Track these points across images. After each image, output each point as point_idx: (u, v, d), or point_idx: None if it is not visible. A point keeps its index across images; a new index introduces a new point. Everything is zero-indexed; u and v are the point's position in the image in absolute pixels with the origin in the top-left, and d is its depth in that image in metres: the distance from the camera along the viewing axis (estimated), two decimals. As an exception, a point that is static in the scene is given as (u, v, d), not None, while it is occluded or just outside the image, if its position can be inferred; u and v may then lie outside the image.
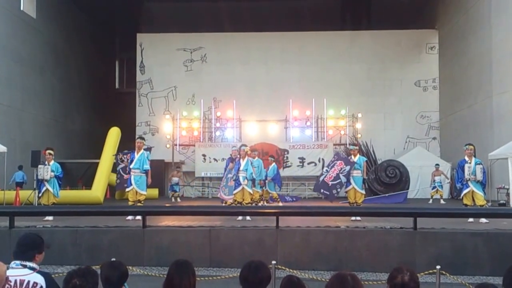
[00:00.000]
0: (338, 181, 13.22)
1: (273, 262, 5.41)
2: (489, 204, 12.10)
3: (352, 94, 23.47)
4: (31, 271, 3.19)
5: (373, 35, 24.48)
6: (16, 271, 3.16)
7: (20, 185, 17.07)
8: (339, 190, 13.75)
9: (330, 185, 12.21)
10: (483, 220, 9.69)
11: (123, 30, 28.10)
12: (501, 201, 15.18)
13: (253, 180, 11.27)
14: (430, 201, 17.57)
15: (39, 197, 11.45)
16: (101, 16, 25.91)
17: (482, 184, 10.39)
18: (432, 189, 17.83)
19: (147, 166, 10.83)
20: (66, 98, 23.36)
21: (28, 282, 3.13)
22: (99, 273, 3.15)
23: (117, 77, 29.87)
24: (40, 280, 3.17)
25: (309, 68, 23.97)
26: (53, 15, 21.88)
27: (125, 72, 29.62)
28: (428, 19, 25.00)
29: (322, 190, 12.67)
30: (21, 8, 19.48)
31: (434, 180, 17.91)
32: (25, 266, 3.20)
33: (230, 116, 23.26)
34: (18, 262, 3.22)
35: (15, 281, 3.11)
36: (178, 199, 18.64)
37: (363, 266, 7.64)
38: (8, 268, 3.12)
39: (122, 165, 13.53)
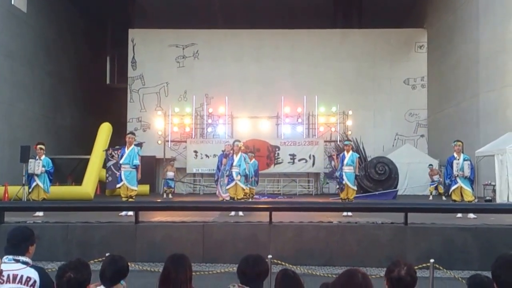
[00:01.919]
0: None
1: (269, 256, 5.44)
2: (476, 200, 12.28)
3: (343, 92, 23.62)
4: (24, 266, 3.17)
5: (364, 33, 24.66)
6: (9, 266, 3.13)
7: None
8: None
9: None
10: (471, 215, 9.83)
11: (115, 26, 27.94)
12: (487, 198, 15.38)
13: (246, 176, 11.31)
14: (443, 198, 17.78)
15: (29, 193, 11.34)
16: (93, 11, 25.68)
17: (470, 180, 10.55)
18: (435, 188, 18.00)
19: (136, 162, 10.74)
20: (56, 93, 23.15)
21: (22, 276, 3.11)
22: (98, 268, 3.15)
23: (108, 72, 29.66)
24: (33, 274, 3.14)
25: (300, 65, 24.07)
26: (44, 10, 21.66)
27: (116, 68, 29.39)
28: (417, 19, 25.25)
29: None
30: (12, 2, 19.28)
31: (432, 180, 18.11)
32: (18, 261, 3.17)
33: (222, 112, 23.28)
34: (10, 257, 3.18)
35: (8, 275, 3.08)
36: (170, 195, 18.63)
37: (355, 261, 7.64)
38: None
39: (112, 161, 13.49)
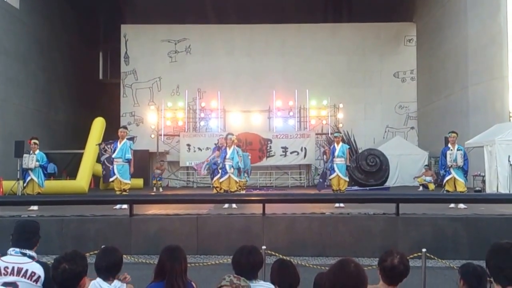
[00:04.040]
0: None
1: (263, 247, 5.53)
2: (466, 191, 12.44)
3: (334, 85, 23.73)
4: (30, 260, 3.17)
5: (354, 27, 24.76)
6: (15, 259, 3.14)
7: (51, 175, 18.14)
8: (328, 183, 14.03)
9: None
10: (462, 205, 9.97)
11: (107, 21, 27.75)
12: (477, 188, 15.59)
13: (239, 169, 11.37)
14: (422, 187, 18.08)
15: (23, 187, 11.35)
16: (85, 6, 25.55)
17: (464, 171, 10.63)
18: (425, 186, 18.10)
19: (129, 155, 10.75)
20: (50, 88, 23.04)
21: (27, 270, 3.10)
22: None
23: (101, 68, 29.56)
24: (38, 270, 3.14)
25: (291, 59, 24.16)
26: (37, 6, 21.49)
27: (109, 63, 29.30)
28: (406, 13, 25.37)
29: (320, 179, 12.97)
30: (5, -1, 19.16)
31: (424, 178, 18.27)
32: (24, 254, 3.18)
33: (214, 106, 23.31)
34: (17, 249, 3.18)
35: (13, 268, 3.08)
36: (161, 189, 18.72)
37: (348, 251, 7.72)
38: (6, 255, 3.16)
39: (106, 155, 13.49)
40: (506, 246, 2.27)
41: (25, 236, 3.27)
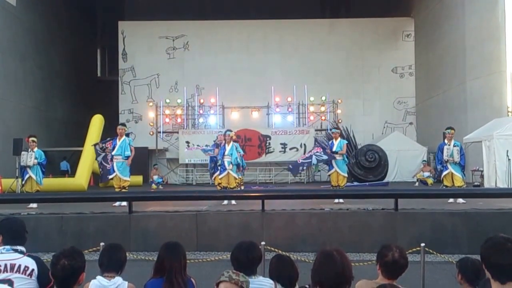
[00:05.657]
0: (308, 160, 13.39)
1: (262, 243, 5.51)
2: (465, 185, 12.46)
3: (332, 81, 23.72)
4: (21, 255, 3.15)
5: (351, 23, 24.73)
6: (6, 256, 3.12)
7: (65, 173, 18.59)
8: (305, 168, 13.95)
9: (299, 162, 12.47)
10: (460, 200, 10.01)
11: (105, 18, 27.74)
12: (476, 183, 15.63)
13: (237, 165, 11.37)
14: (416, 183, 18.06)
15: (22, 185, 11.36)
16: (83, 3, 25.53)
17: (461, 166, 10.65)
18: (422, 181, 18.11)
19: (128, 153, 10.80)
20: (48, 86, 22.99)
21: (19, 265, 3.08)
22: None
23: (99, 65, 29.50)
24: (31, 263, 3.12)
25: (290, 55, 24.14)
26: (34, 3, 21.40)
27: (107, 60, 29.27)
28: (404, 8, 25.33)
29: (289, 166, 13.10)
30: (1, -4, 19.10)
31: (422, 173, 18.30)
32: (16, 251, 3.16)
33: (213, 103, 23.32)
34: (8, 247, 3.17)
35: (5, 265, 3.06)
36: (161, 187, 18.73)
37: (347, 247, 7.60)
38: None
39: (102, 155, 13.42)
40: (502, 241, 2.25)
41: (17, 233, 3.27)
